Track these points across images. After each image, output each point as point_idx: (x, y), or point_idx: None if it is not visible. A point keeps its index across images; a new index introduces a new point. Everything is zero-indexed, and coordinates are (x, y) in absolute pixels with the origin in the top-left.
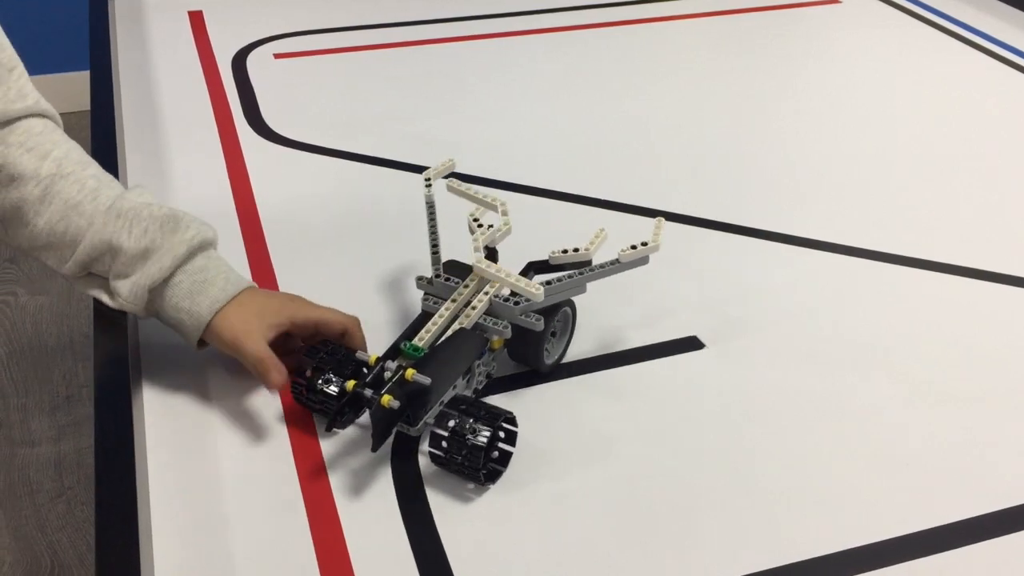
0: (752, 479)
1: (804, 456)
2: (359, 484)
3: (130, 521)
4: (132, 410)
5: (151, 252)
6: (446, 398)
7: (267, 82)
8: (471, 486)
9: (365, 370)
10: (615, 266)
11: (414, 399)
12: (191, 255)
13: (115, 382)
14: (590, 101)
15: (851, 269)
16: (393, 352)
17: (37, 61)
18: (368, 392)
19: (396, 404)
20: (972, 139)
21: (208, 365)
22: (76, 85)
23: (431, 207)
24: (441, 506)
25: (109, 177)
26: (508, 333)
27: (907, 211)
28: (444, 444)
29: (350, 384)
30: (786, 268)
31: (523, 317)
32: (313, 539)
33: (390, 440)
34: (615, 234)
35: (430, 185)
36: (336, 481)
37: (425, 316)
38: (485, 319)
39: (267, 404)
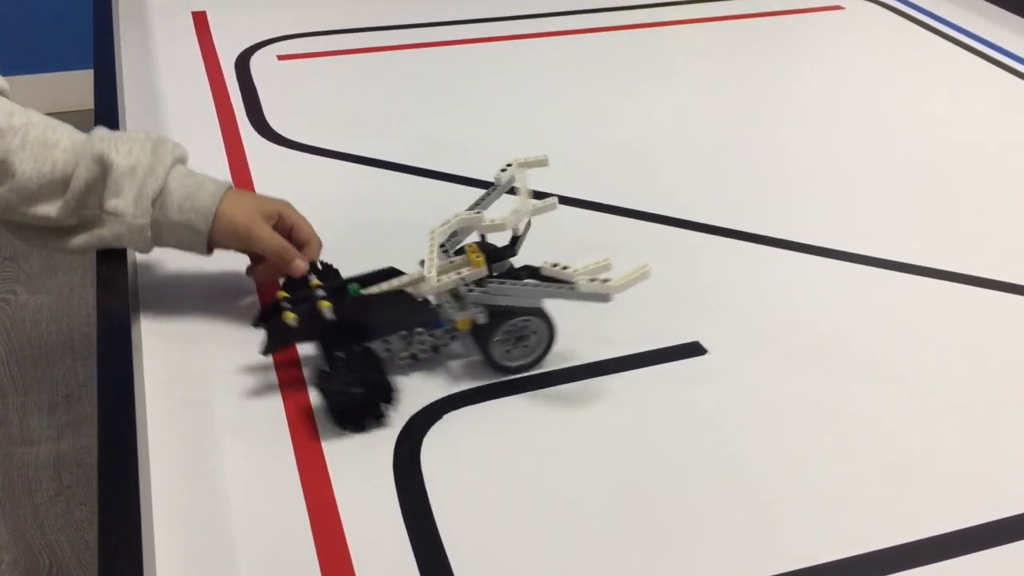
0: (754, 485)
1: (806, 463)
2: (361, 485)
3: (133, 520)
4: (135, 408)
5: (138, 169)
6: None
7: (270, 83)
8: (473, 489)
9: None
10: (571, 291)
11: (317, 329)
12: (174, 165)
13: (118, 379)
14: (593, 105)
15: (854, 275)
16: (340, 288)
17: (41, 59)
18: (287, 305)
19: (294, 323)
20: (974, 145)
21: (210, 365)
22: (80, 84)
23: (493, 188)
24: (442, 507)
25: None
26: (447, 313)
27: (912, 217)
28: (319, 381)
29: (281, 293)
30: (789, 274)
31: (472, 305)
32: (315, 538)
33: (391, 445)
34: (611, 238)
35: (505, 170)
36: (338, 481)
37: (393, 272)
38: (446, 296)
39: (271, 403)
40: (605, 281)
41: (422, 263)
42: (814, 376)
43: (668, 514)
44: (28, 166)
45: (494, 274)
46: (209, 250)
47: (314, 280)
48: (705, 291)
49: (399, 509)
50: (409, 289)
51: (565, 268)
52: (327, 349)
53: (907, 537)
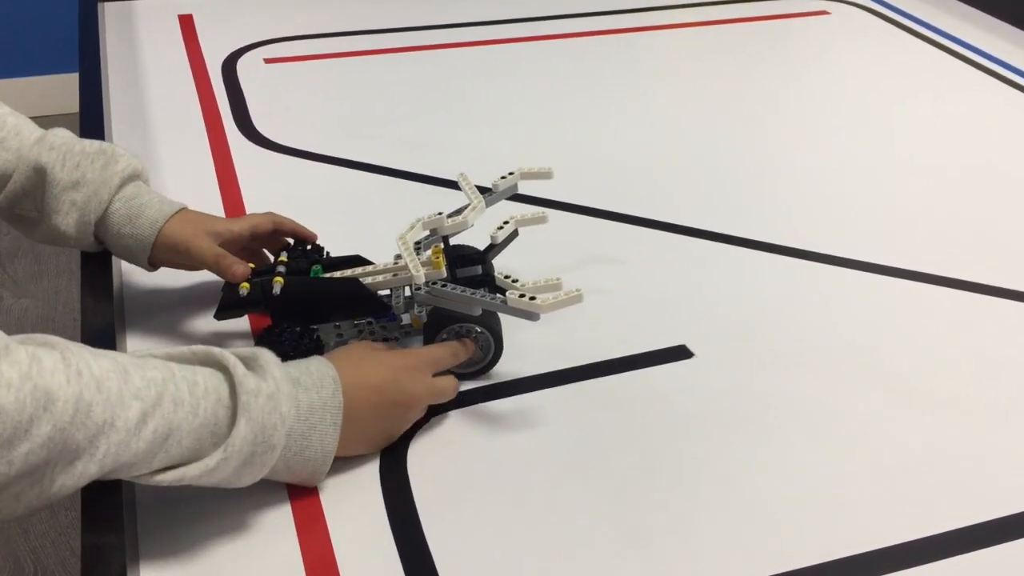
0: (741, 488)
1: (794, 465)
2: (347, 493)
3: (117, 526)
4: None
5: (82, 185)
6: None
7: (257, 86)
8: (459, 492)
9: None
10: (501, 305)
11: (269, 303)
12: (123, 185)
13: None
14: (581, 110)
15: (840, 279)
16: (306, 269)
17: (27, 62)
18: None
19: (243, 292)
20: (960, 149)
21: None
22: (66, 87)
23: (489, 194)
24: (430, 515)
25: (24, 117)
26: (400, 308)
27: (897, 221)
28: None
29: (251, 264)
30: (775, 277)
31: (417, 305)
32: (301, 548)
33: (376, 458)
34: (599, 242)
35: (505, 177)
36: (325, 490)
37: (359, 260)
38: (400, 291)
39: None
40: (532, 299)
41: (397, 257)
42: (802, 379)
43: (657, 517)
44: None
45: (449, 278)
46: (154, 266)
47: (283, 256)
48: (692, 294)
49: (385, 512)
50: (368, 280)
51: (515, 281)
52: (274, 323)
53: (902, 537)
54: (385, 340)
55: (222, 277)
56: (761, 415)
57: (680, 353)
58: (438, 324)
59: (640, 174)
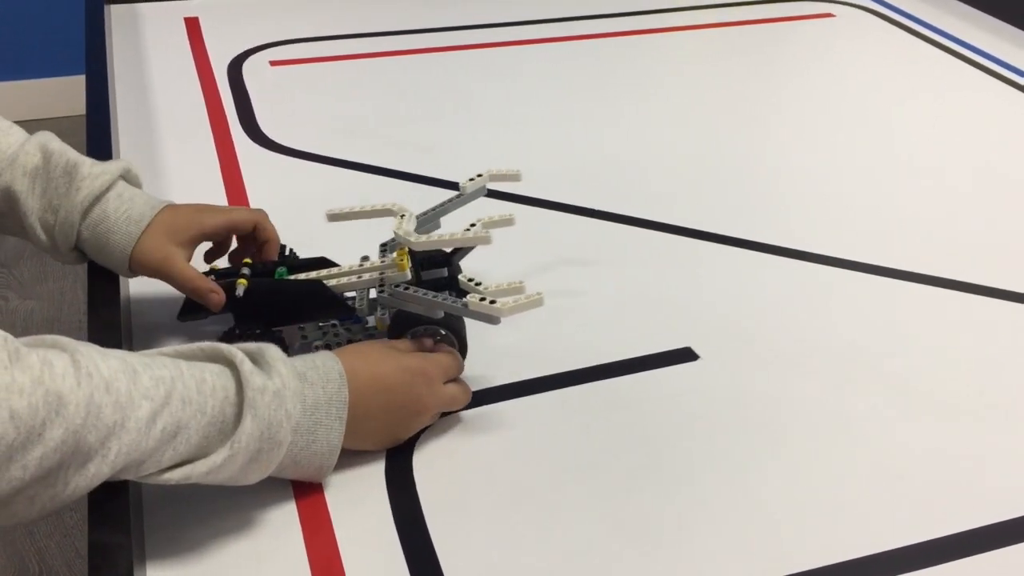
0: (745, 491)
1: (799, 468)
2: (353, 493)
3: (123, 528)
4: None
5: (50, 211)
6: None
7: (263, 89)
8: (465, 493)
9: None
10: (462, 308)
11: (231, 305)
12: (87, 212)
13: None
14: (587, 112)
15: (841, 280)
16: (270, 271)
17: (33, 65)
18: (213, 278)
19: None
20: (960, 150)
21: None
22: (71, 89)
23: (457, 196)
24: (435, 516)
25: (7, 124)
26: (364, 311)
27: (897, 222)
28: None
29: (215, 266)
30: (780, 279)
31: (380, 307)
32: (306, 547)
33: (382, 459)
34: (602, 245)
35: (474, 179)
36: (329, 485)
37: (324, 262)
38: (364, 293)
39: None
40: (493, 303)
41: (363, 259)
42: (807, 382)
43: (660, 519)
44: None
45: (413, 280)
46: (132, 275)
47: (246, 259)
48: (696, 297)
49: (390, 511)
50: (332, 282)
51: (478, 284)
52: (236, 324)
53: (904, 541)
54: (350, 343)
55: (205, 304)
56: (762, 416)
57: (685, 355)
58: (402, 327)
59: (646, 176)
